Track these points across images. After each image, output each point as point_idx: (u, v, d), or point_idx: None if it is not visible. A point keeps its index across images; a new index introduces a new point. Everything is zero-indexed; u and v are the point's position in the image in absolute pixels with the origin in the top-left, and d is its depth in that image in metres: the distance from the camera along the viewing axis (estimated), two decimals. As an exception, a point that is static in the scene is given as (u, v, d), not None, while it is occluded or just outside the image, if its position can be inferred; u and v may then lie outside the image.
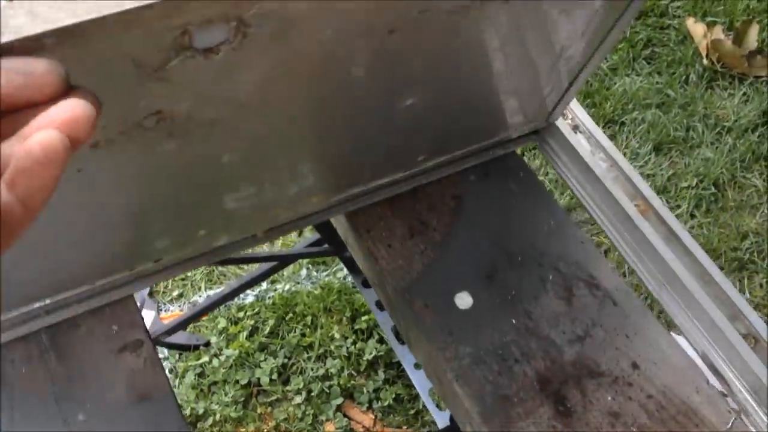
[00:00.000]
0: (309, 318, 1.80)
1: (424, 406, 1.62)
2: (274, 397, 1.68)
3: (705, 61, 2.14)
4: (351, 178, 0.83)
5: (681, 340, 0.87)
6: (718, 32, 2.17)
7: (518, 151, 0.93)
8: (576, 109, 0.91)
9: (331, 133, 0.72)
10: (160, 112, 0.54)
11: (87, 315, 0.78)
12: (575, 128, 0.90)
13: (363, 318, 1.80)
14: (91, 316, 0.78)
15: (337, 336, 1.79)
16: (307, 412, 1.65)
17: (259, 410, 1.67)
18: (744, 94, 2.11)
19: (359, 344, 1.77)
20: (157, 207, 0.71)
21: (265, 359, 1.74)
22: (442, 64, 0.68)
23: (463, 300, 0.81)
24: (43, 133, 0.33)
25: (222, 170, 0.68)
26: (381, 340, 1.77)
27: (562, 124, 0.90)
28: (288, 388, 1.69)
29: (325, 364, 1.75)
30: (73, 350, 0.76)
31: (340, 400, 1.68)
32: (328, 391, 1.69)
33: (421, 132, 0.80)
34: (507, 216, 0.87)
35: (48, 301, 0.76)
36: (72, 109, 0.34)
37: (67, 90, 0.35)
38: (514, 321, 0.79)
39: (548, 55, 0.75)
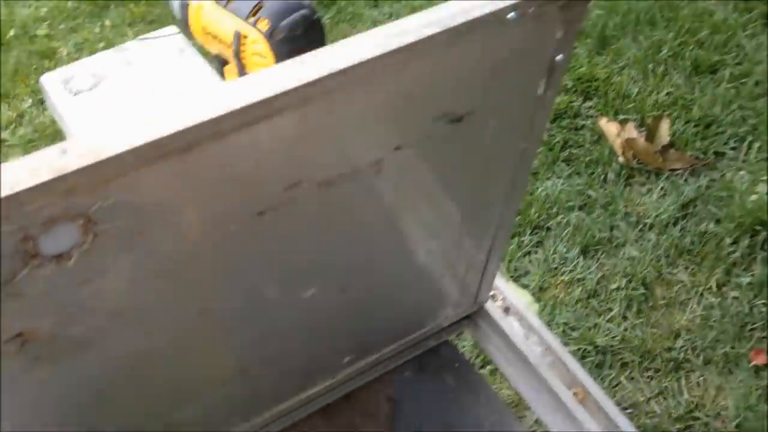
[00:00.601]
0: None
1: None
2: None
3: (621, 159, 2.19)
4: (275, 391, 0.80)
5: None
6: (631, 130, 2.22)
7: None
8: (505, 289, 0.90)
9: (231, 340, 0.67)
10: (21, 334, 0.49)
11: None
12: (506, 310, 0.89)
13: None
14: None
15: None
16: None
17: None
18: (662, 188, 2.15)
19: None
20: None
21: None
22: (329, 246, 0.65)
23: None
24: None
25: (110, 402, 0.63)
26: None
27: (492, 307, 0.88)
28: None
29: None
30: None
31: None
32: None
33: (338, 329, 0.77)
34: (446, 415, 0.85)
35: None
36: None
37: None
38: None
39: (448, 230, 0.73)
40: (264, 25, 0.84)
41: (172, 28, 1.27)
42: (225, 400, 0.74)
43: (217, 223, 0.53)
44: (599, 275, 2.00)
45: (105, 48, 2.52)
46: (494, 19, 0.52)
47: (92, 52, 2.51)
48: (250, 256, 0.59)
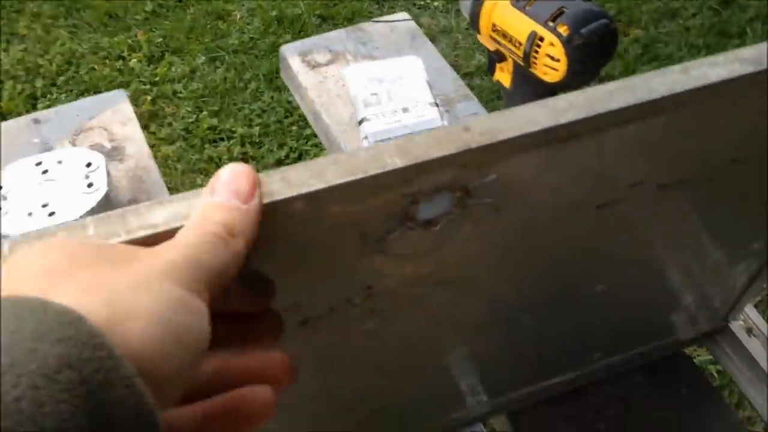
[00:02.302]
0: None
1: None
2: None
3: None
4: (526, 375, 0.81)
5: None
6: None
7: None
8: (748, 310, 0.88)
9: (520, 319, 0.69)
10: (371, 287, 0.53)
11: None
12: (749, 331, 0.87)
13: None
14: None
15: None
16: None
17: None
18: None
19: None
20: (344, 397, 0.68)
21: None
22: (636, 246, 0.66)
23: None
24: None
25: (409, 359, 0.66)
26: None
27: (735, 327, 0.87)
28: None
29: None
30: None
31: None
32: None
33: (603, 326, 0.77)
34: (678, 424, 0.84)
35: None
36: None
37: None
38: None
39: (736, 249, 0.72)
40: (564, 30, 0.85)
41: (404, 15, 1.29)
42: (488, 373, 0.75)
43: (562, 210, 0.55)
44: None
45: (278, 16, 2.58)
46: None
47: (264, 19, 2.58)
48: (574, 245, 0.60)
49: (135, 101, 2.34)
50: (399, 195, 0.45)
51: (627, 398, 0.86)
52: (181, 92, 2.38)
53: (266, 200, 0.39)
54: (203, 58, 2.47)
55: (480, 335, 0.68)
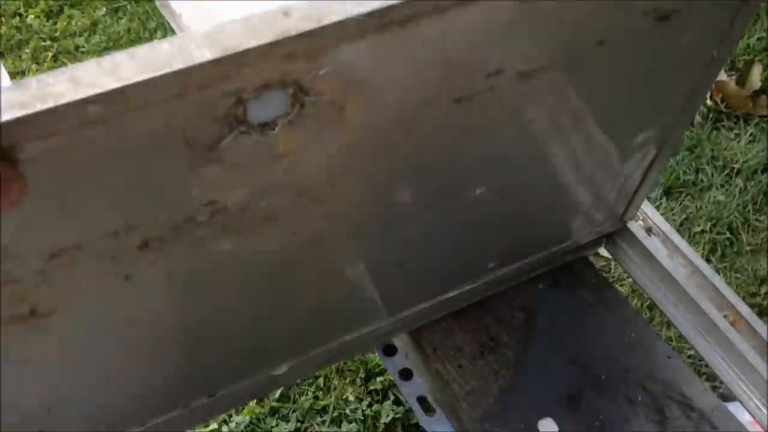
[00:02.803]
0: (321, 380, 1.74)
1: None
2: (288, 467, 1.61)
3: (709, 102, 2.12)
4: (420, 291, 0.78)
5: None
6: (721, 73, 2.14)
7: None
8: (647, 209, 0.86)
9: (399, 232, 0.66)
10: (214, 202, 0.49)
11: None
12: (648, 230, 0.85)
13: (378, 379, 1.74)
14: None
15: (351, 398, 1.73)
16: (324, 482, 1.59)
17: (275, 483, 1.60)
18: (750, 134, 2.08)
19: (375, 406, 1.70)
20: (213, 326, 0.64)
21: (277, 424, 1.67)
22: (510, 143, 0.63)
23: (548, 428, 0.75)
24: None
25: (281, 280, 0.62)
26: (398, 401, 1.70)
27: (635, 227, 0.85)
28: (303, 456, 1.62)
29: (340, 428, 1.68)
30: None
31: (358, 467, 1.62)
32: (345, 458, 1.63)
33: (492, 233, 0.75)
34: (583, 329, 0.82)
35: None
36: None
37: None
38: (608, 453, 0.74)
39: (618, 140, 0.70)
40: None
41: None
42: (377, 293, 0.72)
43: (417, 106, 0.51)
44: (683, 217, 1.95)
45: (181, -40, 2.47)
46: None
47: (167, -36, 2.47)
48: (438, 144, 0.57)
49: (36, 59, 2.23)
50: (219, 93, 0.40)
51: (530, 307, 0.84)
52: (83, 46, 2.27)
53: (52, 104, 0.34)
54: (104, 9, 2.37)
55: (358, 249, 0.64)
